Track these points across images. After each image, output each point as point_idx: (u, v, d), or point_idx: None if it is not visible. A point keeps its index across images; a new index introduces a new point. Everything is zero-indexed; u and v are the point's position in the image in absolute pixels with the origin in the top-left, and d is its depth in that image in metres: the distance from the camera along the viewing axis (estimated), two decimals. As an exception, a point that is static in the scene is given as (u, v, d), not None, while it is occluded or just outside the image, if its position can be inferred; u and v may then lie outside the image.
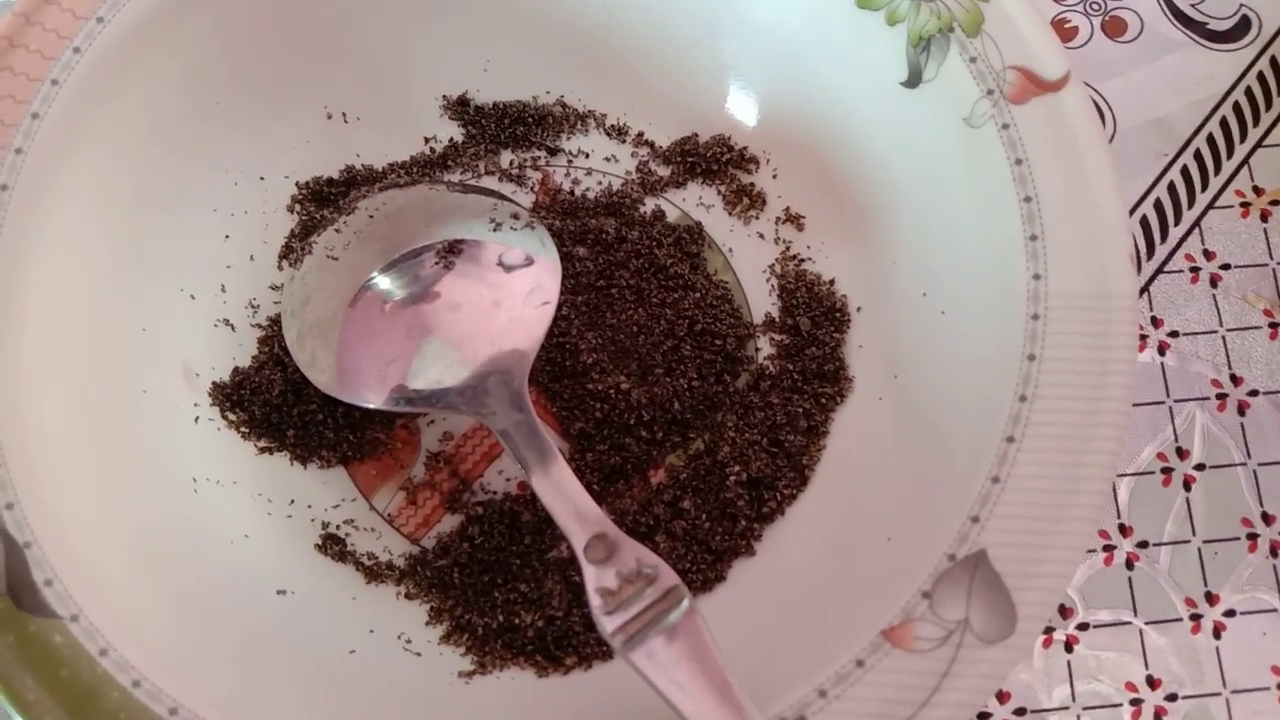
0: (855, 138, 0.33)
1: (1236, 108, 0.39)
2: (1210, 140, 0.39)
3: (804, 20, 0.33)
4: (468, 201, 0.33)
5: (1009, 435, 0.26)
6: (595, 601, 0.24)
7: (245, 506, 0.31)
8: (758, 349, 0.34)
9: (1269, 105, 0.39)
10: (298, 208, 0.35)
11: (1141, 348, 0.36)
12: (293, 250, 0.34)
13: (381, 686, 0.28)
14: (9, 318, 0.27)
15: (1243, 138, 0.39)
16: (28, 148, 0.28)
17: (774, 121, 0.35)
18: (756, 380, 0.33)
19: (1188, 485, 0.35)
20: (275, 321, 0.33)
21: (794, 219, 0.35)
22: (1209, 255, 0.38)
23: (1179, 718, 0.33)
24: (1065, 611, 0.34)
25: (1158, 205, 0.38)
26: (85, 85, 0.29)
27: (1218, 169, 0.39)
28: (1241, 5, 0.41)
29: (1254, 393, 0.36)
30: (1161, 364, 0.36)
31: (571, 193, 0.36)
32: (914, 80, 0.30)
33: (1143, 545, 0.34)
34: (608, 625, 0.24)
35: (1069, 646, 0.33)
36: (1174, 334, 0.37)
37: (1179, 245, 0.38)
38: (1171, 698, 0.33)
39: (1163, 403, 0.36)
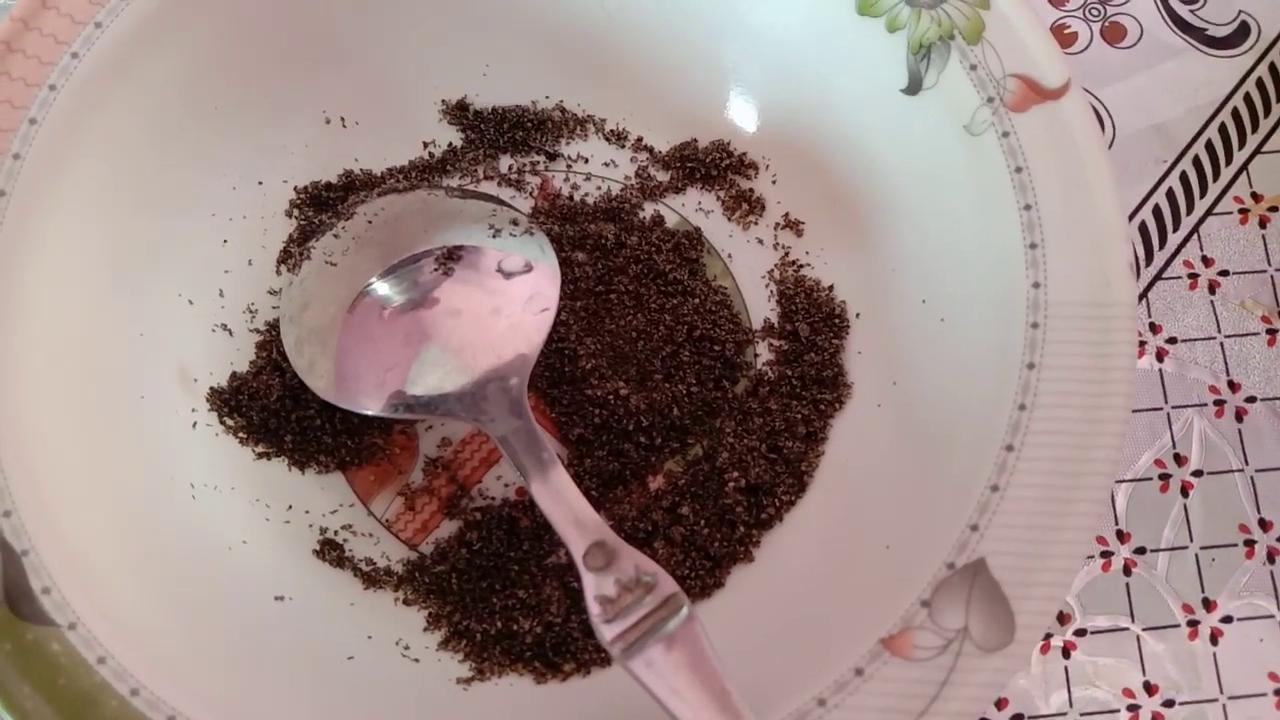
0: (855, 144, 0.33)
1: (1235, 114, 0.39)
2: (1209, 146, 0.39)
3: (804, 25, 0.33)
4: (467, 207, 0.33)
5: (1008, 443, 0.26)
6: (594, 609, 0.24)
7: (243, 512, 0.31)
8: (756, 355, 0.34)
9: (1268, 111, 0.39)
10: (296, 213, 0.35)
11: (1140, 354, 0.36)
12: (291, 255, 0.34)
13: (379, 693, 0.28)
14: (6, 323, 0.27)
15: (1241, 144, 0.39)
16: (25, 153, 0.28)
17: (773, 127, 0.35)
18: (755, 386, 0.33)
19: (1185, 491, 0.35)
20: (273, 326, 0.33)
21: (793, 225, 0.35)
22: (1207, 261, 0.38)
23: (1176, 724, 0.33)
24: (1063, 617, 0.34)
25: (1156, 211, 0.38)
26: (83, 90, 0.29)
27: (1216, 175, 0.39)
28: (1240, 11, 0.41)
29: (1252, 399, 0.36)
30: (1160, 370, 0.36)
31: (570, 198, 0.36)
32: (914, 87, 0.30)
33: (1140, 551, 0.34)
34: (607, 633, 0.24)
35: (1066, 652, 0.33)
36: (1172, 340, 0.37)
37: (1177, 251, 0.38)
38: (1169, 704, 0.33)
39: (1161, 409, 0.36)
